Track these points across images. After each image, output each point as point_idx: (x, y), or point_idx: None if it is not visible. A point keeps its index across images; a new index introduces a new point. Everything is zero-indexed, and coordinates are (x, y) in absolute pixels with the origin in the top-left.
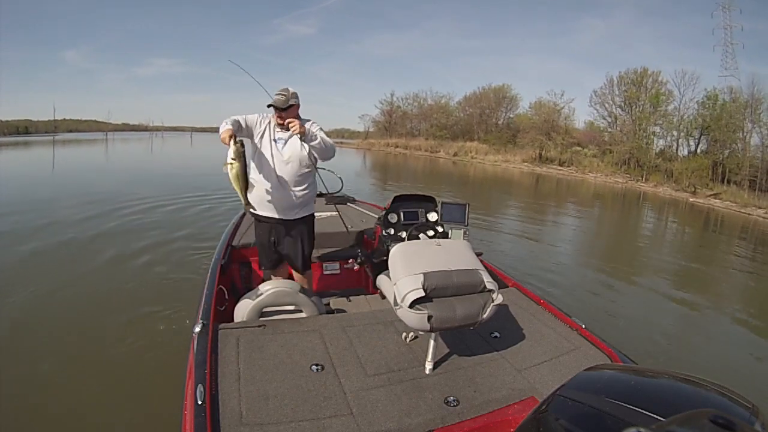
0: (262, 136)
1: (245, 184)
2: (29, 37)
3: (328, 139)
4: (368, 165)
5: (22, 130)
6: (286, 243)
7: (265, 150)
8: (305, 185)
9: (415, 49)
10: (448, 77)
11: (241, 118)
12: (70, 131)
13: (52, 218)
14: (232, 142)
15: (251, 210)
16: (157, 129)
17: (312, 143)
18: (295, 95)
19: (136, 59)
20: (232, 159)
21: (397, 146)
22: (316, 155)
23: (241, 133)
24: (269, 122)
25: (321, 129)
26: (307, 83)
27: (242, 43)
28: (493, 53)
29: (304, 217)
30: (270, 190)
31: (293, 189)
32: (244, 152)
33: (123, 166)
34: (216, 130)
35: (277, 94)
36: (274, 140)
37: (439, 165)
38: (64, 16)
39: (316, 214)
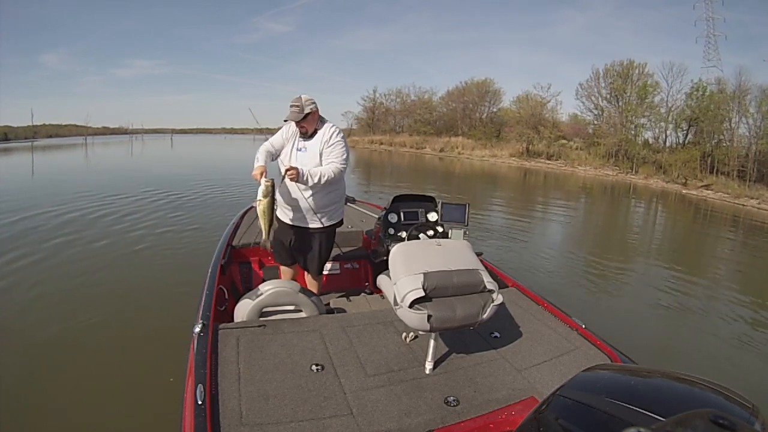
0: (288, 146)
1: (270, 220)
2: (5, 41)
3: (330, 167)
4: (352, 163)
5: (1, 137)
6: (301, 249)
7: (287, 159)
8: (323, 194)
9: (396, 43)
10: (430, 71)
11: (269, 146)
12: (50, 136)
13: (45, 221)
14: (263, 180)
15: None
16: (136, 132)
17: (309, 184)
18: (310, 102)
19: (115, 61)
20: (261, 197)
21: (381, 143)
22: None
23: (273, 159)
24: (296, 130)
25: (341, 134)
26: (288, 81)
27: (222, 43)
28: (474, 46)
29: (325, 227)
30: (289, 197)
31: (311, 197)
32: (273, 191)
33: (107, 167)
34: (199, 131)
35: (291, 107)
36: (298, 149)
37: (425, 161)
38: (41, 19)
39: None
